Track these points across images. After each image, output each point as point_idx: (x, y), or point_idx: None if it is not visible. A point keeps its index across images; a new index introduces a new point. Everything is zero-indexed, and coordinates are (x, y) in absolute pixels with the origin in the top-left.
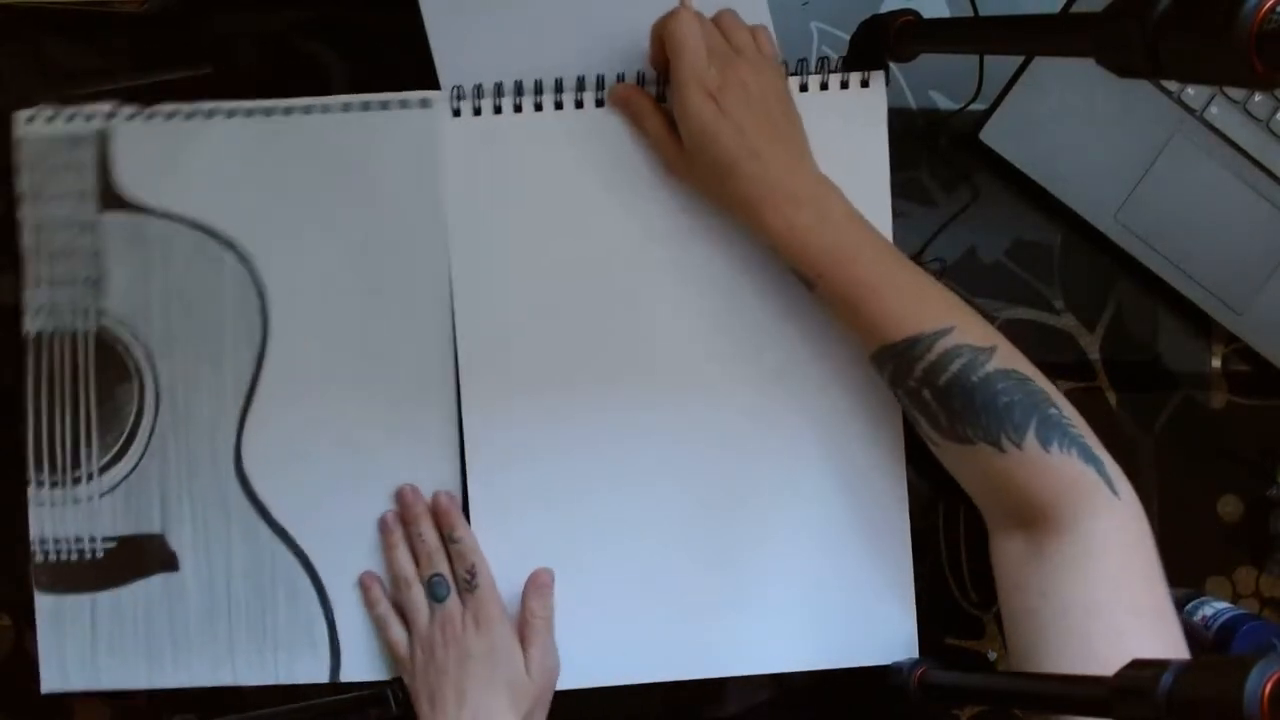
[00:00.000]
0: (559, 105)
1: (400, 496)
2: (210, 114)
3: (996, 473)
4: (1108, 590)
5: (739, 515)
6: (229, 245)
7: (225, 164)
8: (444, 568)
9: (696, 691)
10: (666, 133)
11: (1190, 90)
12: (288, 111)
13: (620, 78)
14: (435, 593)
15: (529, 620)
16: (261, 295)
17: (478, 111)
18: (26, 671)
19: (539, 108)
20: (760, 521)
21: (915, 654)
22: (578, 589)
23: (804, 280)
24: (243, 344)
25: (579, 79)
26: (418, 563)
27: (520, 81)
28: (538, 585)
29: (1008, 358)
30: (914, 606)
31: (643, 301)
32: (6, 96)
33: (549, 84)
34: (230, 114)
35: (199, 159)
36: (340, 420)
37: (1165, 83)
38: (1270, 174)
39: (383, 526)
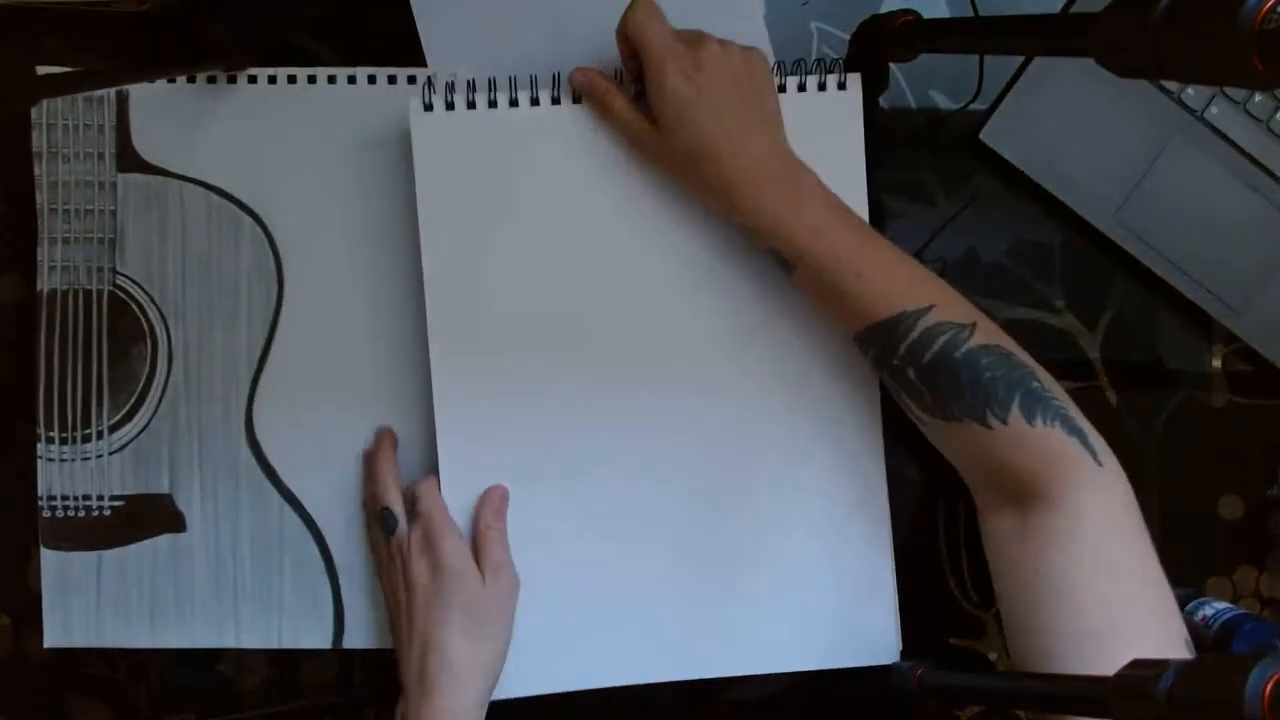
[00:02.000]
0: (534, 101)
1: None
2: (231, 79)
3: (983, 449)
4: (1098, 562)
5: (719, 518)
6: (247, 211)
7: (243, 130)
8: (393, 500)
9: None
10: (635, 114)
11: (1190, 90)
12: (312, 80)
13: (618, 73)
14: (386, 525)
15: (483, 533)
16: (278, 261)
17: (450, 106)
18: (26, 671)
19: (514, 103)
20: (740, 523)
21: (897, 657)
22: (561, 591)
23: (784, 263)
24: (258, 309)
25: (554, 75)
26: (370, 495)
27: (493, 78)
28: (489, 499)
29: (988, 333)
30: (895, 609)
31: (621, 297)
32: (7, 97)
33: (524, 80)
34: (252, 80)
35: (218, 124)
36: (353, 388)
37: (1165, 83)
38: (1270, 174)
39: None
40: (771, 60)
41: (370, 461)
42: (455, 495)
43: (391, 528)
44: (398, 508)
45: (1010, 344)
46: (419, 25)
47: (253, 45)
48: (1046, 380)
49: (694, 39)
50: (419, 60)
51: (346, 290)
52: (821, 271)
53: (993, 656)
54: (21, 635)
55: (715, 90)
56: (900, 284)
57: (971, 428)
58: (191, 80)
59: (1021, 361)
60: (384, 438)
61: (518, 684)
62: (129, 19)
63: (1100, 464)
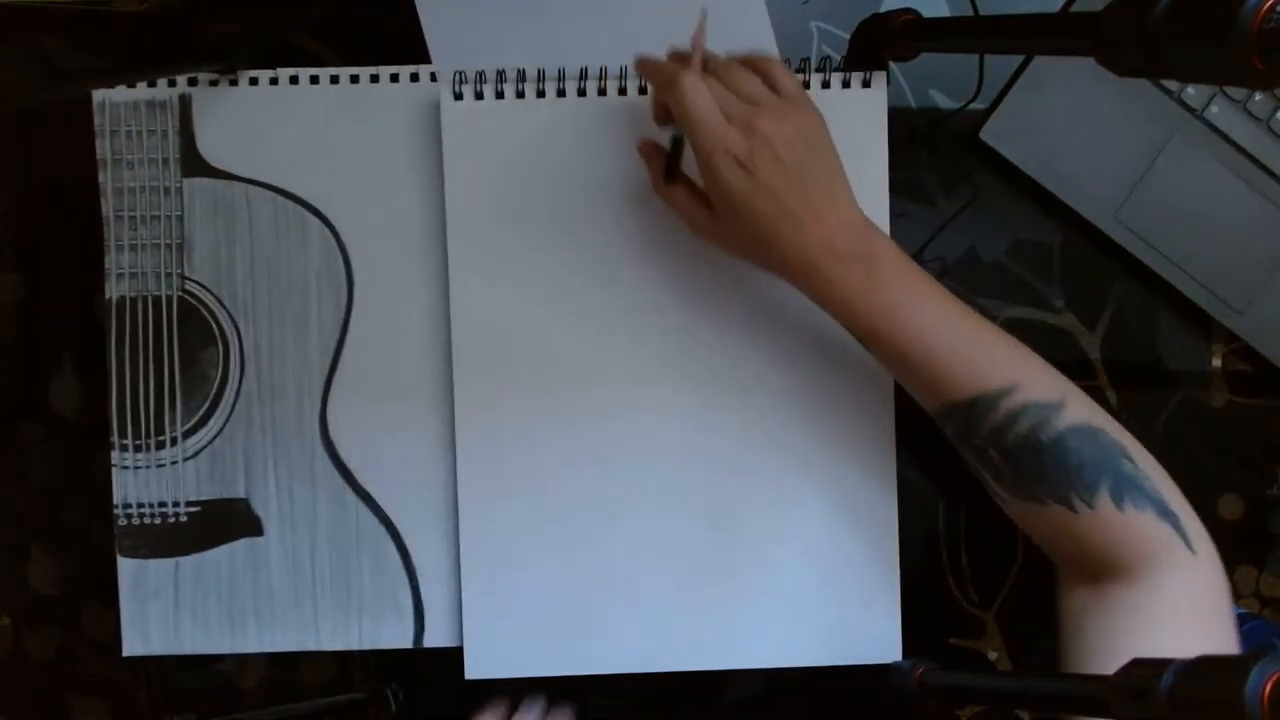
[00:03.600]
0: (561, 93)
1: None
2: (294, 80)
3: (1068, 531)
4: (1172, 645)
5: (727, 512)
6: (314, 212)
7: (306, 130)
8: None
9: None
10: (694, 203)
11: (1190, 89)
12: (375, 79)
13: (622, 71)
14: None
15: None
16: (347, 261)
17: (479, 95)
18: (26, 671)
19: (541, 94)
20: (748, 519)
21: (899, 656)
22: (566, 577)
23: (859, 340)
24: (328, 310)
25: (582, 69)
26: None
27: (522, 70)
28: None
29: (1078, 410)
30: (899, 610)
31: (642, 296)
32: (7, 96)
33: (553, 73)
34: (314, 80)
35: (281, 125)
36: (427, 386)
37: (1165, 82)
38: (1271, 173)
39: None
40: (799, 90)
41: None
42: (470, 473)
43: None
44: None
45: (1102, 418)
46: (423, 24)
47: (253, 45)
48: (1140, 458)
49: (744, 120)
50: (421, 60)
51: (416, 288)
52: (894, 351)
53: (993, 656)
54: (21, 635)
55: (770, 176)
56: (980, 363)
57: (1056, 511)
58: (254, 82)
59: (1113, 440)
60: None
61: (518, 665)
62: (129, 19)
63: (1193, 550)
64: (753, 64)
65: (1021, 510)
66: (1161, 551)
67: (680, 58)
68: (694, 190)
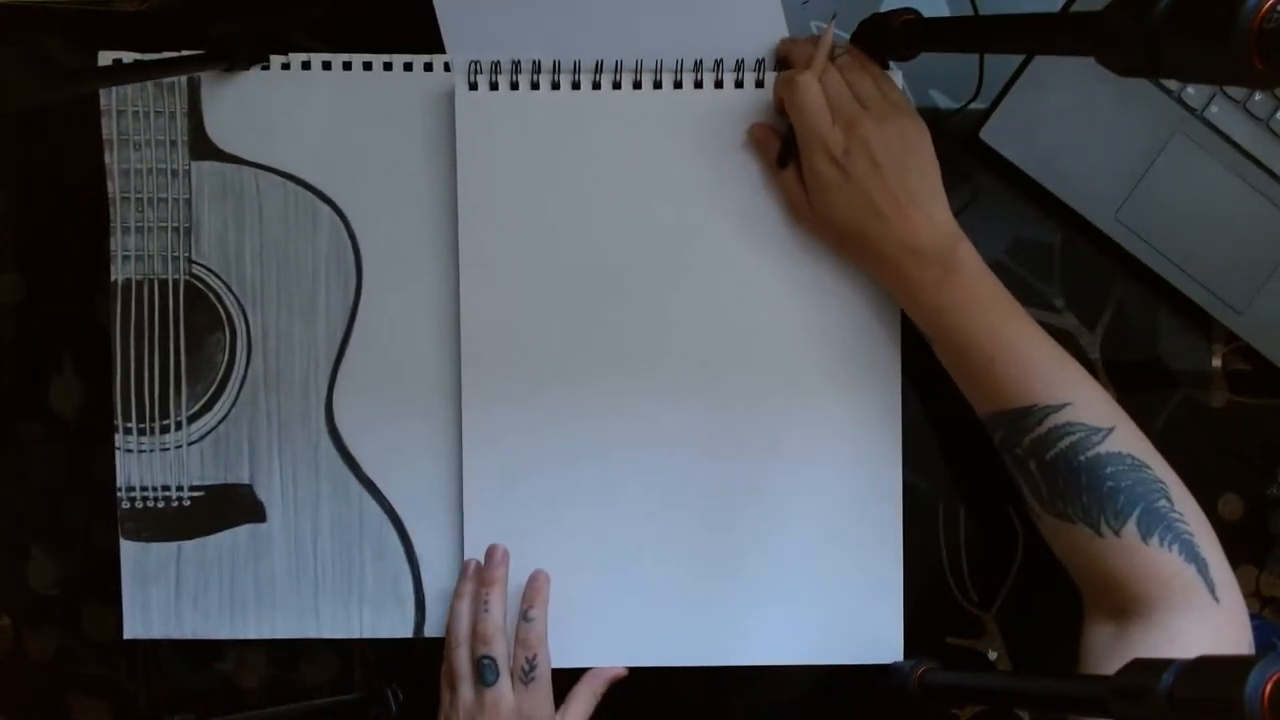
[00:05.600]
0: (576, 85)
1: (487, 555)
2: (306, 65)
3: (1092, 555)
4: None
5: (733, 511)
6: (324, 199)
7: (317, 117)
8: (498, 650)
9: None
10: (795, 186)
11: (1190, 89)
12: (388, 67)
13: (638, 65)
14: (482, 676)
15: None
16: (356, 249)
17: (494, 86)
18: (26, 671)
19: (556, 86)
20: (753, 518)
21: (901, 656)
22: (569, 573)
23: (924, 336)
24: (336, 297)
25: (598, 62)
26: (474, 631)
27: (538, 61)
28: (597, 675)
29: (1125, 441)
30: (901, 609)
31: (652, 288)
32: (7, 96)
33: (568, 64)
34: (326, 66)
35: (291, 111)
36: (434, 377)
37: (1165, 82)
38: (1271, 173)
39: (463, 571)
40: (909, 104)
41: (479, 594)
42: (475, 464)
43: (490, 681)
44: (501, 657)
45: (1148, 454)
46: (438, 12)
47: (253, 45)
48: (1180, 500)
49: (849, 120)
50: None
51: (426, 278)
52: (953, 352)
53: (992, 656)
54: (21, 635)
55: (863, 174)
56: (1037, 376)
57: (1083, 531)
58: (265, 67)
59: (1154, 476)
60: (495, 556)
61: None
62: (129, 19)
63: (1216, 599)
64: (866, 68)
65: (1051, 527)
66: (1182, 593)
67: (807, 48)
68: (800, 179)
